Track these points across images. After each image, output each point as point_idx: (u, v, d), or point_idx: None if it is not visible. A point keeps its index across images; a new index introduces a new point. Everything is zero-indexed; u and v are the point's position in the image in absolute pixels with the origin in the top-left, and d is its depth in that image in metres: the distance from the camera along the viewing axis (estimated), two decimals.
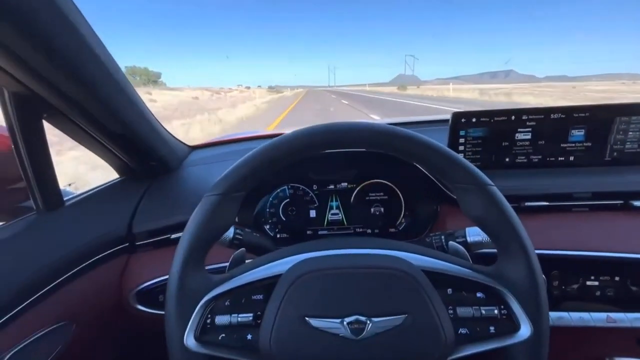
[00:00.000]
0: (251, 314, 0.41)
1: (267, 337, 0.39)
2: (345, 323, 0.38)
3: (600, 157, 0.79)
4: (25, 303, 0.53)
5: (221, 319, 0.41)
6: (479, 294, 0.42)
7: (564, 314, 0.66)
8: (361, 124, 0.42)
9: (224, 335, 0.41)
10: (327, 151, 0.77)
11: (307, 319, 0.39)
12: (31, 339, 0.53)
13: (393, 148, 0.42)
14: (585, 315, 0.66)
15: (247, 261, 0.49)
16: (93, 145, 0.71)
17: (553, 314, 0.66)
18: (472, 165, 0.41)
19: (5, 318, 0.50)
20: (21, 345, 0.52)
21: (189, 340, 0.39)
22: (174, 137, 0.96)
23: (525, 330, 0.38)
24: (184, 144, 1.03)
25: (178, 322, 0.40)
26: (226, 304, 0.42)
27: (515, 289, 0.40)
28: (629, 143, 0.78)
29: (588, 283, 0.67)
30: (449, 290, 0.42)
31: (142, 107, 0.71)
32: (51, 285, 0.58)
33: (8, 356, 0.50)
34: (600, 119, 0.77)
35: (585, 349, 0.74)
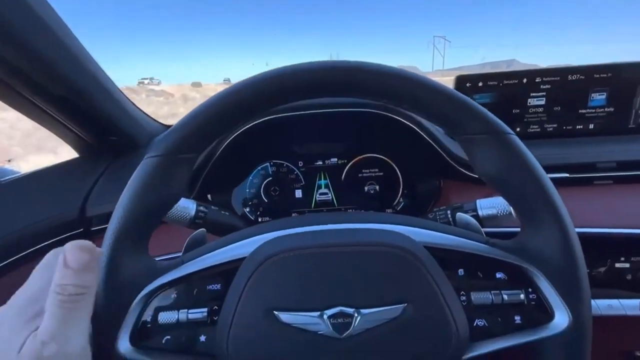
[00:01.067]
0: (205, 309, 0.32)
1: (224, 337, 0.29)
2: (325, 317, 0.29)
3: (624, 124, 0.70)
4: None
5: (166, 316, 0.31)
6: (498, 275, 0.33)
7: (591, 302, 0.57)
8: (341, 62, 0.31)
9: (169, 337, 0.31)
10: (311, 117, 0.67)
11: (275, 313, 0.29)
12: None
13: (384, 92, 0.31)
14: (614, 302, 0.57)
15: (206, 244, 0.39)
16: (39, 116, 0.61)
17: None
18: (485, 110, 0.31)
19: None
20: None
21: (123, 345, 0.29)
22: (144, 113, 0.86)
23: (561, 319, 0.30)
24: (158, 122, 0.92)
25: (108, 320, 0.30)
26: (173, 296, 0.32)
27: (546, 266, 0.31)
28: None
29: (617, 265, 0.58)
30: (460, 271, 0.33)
31: (98, 73, 0.61)
32: None
33: None
34: (624, 81, 0.68)
35: (614, 342, 0.64)
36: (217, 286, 0.32)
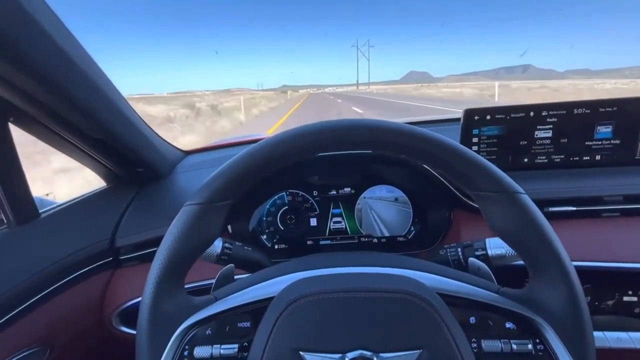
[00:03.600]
0: (236, 345, 0.35)
1: None
2: (347, 359, 0.31)
3: (630, 155, 0.71)
4: None
5: (201, 351, 0.35)
6: (508, 324, 0.35)
7: (599, 334, 0.58)
8: (365, 120, 0.35)
9: None
10: (327, 154, 0.71)
11: (301, 353, 0.32)
12: None
13: (403, 149, 0.35)
14: (622, 335, 0.58)
15: (235, 279, 0.43)
16: (72, 151, 0.66)
17: None
18: (498, 169, 0.34)
19: None
20: None
21: None
22: (165, 141, 0.90)
23: None
24: (178, 149, 0.97)
25: (150, 353, 0.33)
26: (207, 332, 0.36)
27: (553, 318, 0.33)
28: None
29: (625, 299, 0.59)
30: (472, 319, 0.35)
31: (125, 109, 0.65)
32: (22, 307, 0.52)
33: None
34: (629, 114, 0.70)
35: None
36: (247, 324, 0.36)
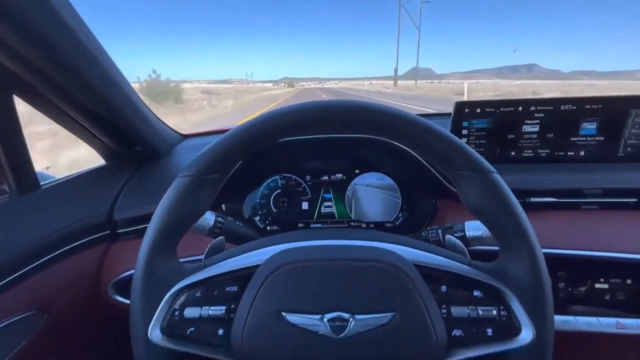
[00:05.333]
0: (224, 307, 0.37)
1: (239, 332, 0.35)
2: (325, 320, 0.34)
3: (613, 152, 0.74)
4: None
5: (191, 312, 0.37)
6: (476, 293, 0.38)
7: (570, 318, 0.61)
8: (347, 100, 0.37)
9: (193, 329, 0.37)
10: (320, 139, 0.73)
11: (283, 314, 0.35)
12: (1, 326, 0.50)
13: (381, 128, 0.37)
14: (593, 320, 0.61)
15: (225, 250, 0.45)
16: (73, 126, 0.68)
17: (558, 318, 0.62)
18: (472, 150, 0.37)
19: None
20: None
21: (154, 333, 0.35)
22: (165, 124, 0.93)
23: (527, 334, 0.35)
24: (176, 132, 1.00)
25: (143, 312, 0.36)
26: (197, 295, 0.38)
27: (517, 287, 0.36)
28: None
29: (597, 286, 0.62)
30: (443, 288, 0.38)
31: (127, 90, 0.68)
32: (21, 272, 0.54)
33: None
34: (614, 112, 0.72)
35: (592, 358, 0.69)
36: (234, 288, 0.38)
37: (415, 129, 0.37)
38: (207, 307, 0.37)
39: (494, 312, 0.36)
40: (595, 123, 0.73)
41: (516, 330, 0.35)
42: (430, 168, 0.69)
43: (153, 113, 0.84)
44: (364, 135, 0.70)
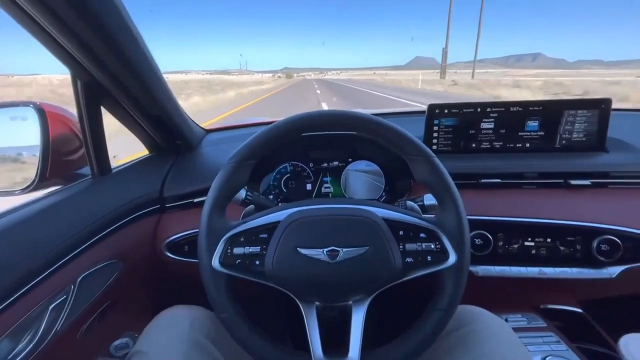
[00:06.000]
0: (258, 247, 0.54)
1: (270, 262, 0.52)
2: (324, 251, 0.51)
3: (551, 144, 0.93)
4: (87, 244, 0.71)
5: (237, 250, 0.54)
6: (422, 234, 0.54)
7: (506, 268, 0.83)
8: (340, 111, 0.57)
9: (239, 261, 0.53)
10: (323, 134, 0.94)
11: (298, 249, 0.51)
12: (95, 269, 0.71)
13: (358, 129, 0.57)
14: (522, 269, 0.82)
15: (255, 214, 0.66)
16: (133, 125, 0.88)
17: (497, 268, 0.83)
18: (419, 141, 0.56)
19: (75, 252, 0.68)
20: (87, 272, 0.70)
21: (215, 264, 0.53)
22: (192, 120, 1.13)
23: (452, 259, 0.52)
24: (200, 127, 1.20)
25: (207, 251, 0.55)
26: (241, 239, 0.55)
27: (447, 230, 0.53)
28: (575, 133, 0.92)
29: (526, 244, 0.83)
30: (401, 232, 0.54)
31: (168, 90, 0.84)
32: (103, 233, 0.75)
33: (79, 279, 0.68)
34: (551, 112, 0.91)
35: (524, 297, 0.90)
36: (265, 235, 0.55)
37: (378, 127, 0.56)
38: (248, 247, 0.54)
39: (432, 246, 0.53)
40: (538, 121, 0.93)
41: (446, 257, 0.52)
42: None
43: (182, 108, 1.03)
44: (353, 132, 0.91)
